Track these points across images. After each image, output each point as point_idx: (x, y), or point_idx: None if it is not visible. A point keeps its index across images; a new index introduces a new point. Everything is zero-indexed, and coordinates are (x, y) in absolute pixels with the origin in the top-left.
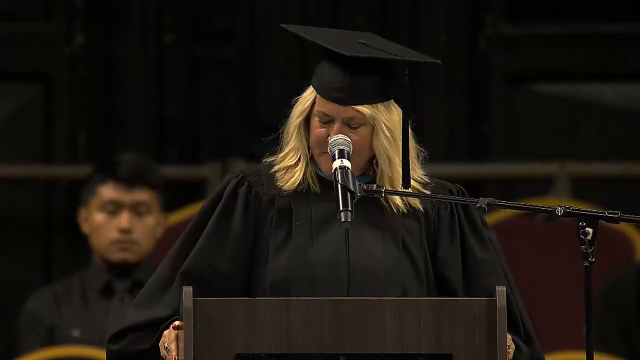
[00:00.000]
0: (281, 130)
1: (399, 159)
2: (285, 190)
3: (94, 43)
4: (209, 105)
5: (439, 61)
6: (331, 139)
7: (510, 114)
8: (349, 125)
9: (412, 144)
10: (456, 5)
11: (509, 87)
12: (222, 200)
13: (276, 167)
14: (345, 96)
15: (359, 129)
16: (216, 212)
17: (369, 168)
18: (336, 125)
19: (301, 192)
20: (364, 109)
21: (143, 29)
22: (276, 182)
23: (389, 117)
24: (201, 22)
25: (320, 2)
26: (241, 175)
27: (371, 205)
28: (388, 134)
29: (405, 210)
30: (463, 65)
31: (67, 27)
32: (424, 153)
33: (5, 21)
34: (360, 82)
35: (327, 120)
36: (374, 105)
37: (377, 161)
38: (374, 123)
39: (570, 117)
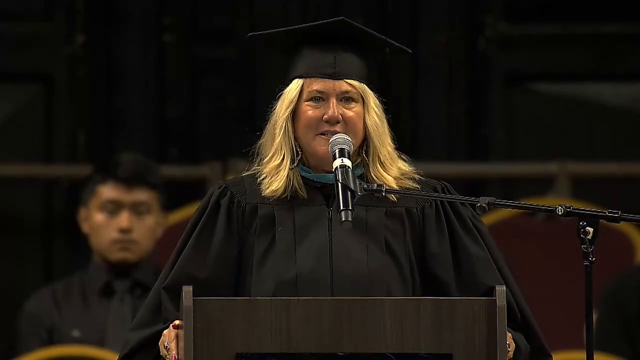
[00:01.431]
0: (259, 143)
1: (388, 140)
2: (269, 197)
3: (94, 43)
4: (209, 105)
5: (410, 51)
6: (331, 139)
7: (510, 114)
8: (344, 100)
9: (389, 136)
10: (456, 5)
11: (509, 87)
12: (206, 212)
13: (265, 172)
14: (337, 71)
15: (352, 106)
16: (199, 224)
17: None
18: (332, 101)
19: (285, 198)
20: (356, 83)
21: (143, 29)
22: (259, 190)
23: (374, 98)
24: (201, 22)
25: (320, 2)
26: (223, 186)
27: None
28: (378, 112)
29: (395, 199)
30: (463, 65)
31: (67, 28)
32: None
33: (5, 21)
34: (347, 58)
35: (321, 99)
36: (361, 83)
37: (366, 144)
38: (365, 98)
39: (570, 117)
